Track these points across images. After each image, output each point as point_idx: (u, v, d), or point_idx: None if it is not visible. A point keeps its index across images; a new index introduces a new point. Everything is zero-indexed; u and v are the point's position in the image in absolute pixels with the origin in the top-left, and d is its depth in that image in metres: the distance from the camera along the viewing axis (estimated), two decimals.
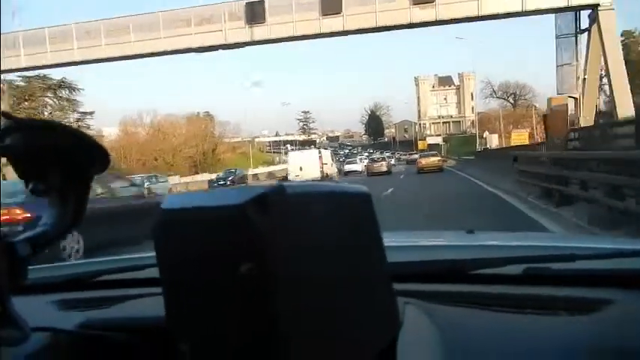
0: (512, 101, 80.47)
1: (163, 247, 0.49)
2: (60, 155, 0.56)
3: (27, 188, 0.57)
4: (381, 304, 0.54)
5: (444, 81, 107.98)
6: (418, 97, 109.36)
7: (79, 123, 79.49)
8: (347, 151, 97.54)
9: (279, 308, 0.42)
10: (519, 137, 39.29)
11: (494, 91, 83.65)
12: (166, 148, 59.73)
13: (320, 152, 25.16)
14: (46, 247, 0.56)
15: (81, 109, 74.19)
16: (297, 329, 0.43)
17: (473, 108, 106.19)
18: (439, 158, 31.60)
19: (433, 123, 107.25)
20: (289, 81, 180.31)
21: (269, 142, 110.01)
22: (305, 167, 22.74)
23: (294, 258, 0.44)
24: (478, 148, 41.44)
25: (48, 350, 0.70)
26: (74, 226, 0.59)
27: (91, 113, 77.43)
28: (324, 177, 22.30)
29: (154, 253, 0.49)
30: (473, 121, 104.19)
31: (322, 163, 23.45)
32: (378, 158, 36.85)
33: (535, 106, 60.79)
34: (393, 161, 41.33)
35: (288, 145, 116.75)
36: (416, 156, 38.77)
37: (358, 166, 36.97)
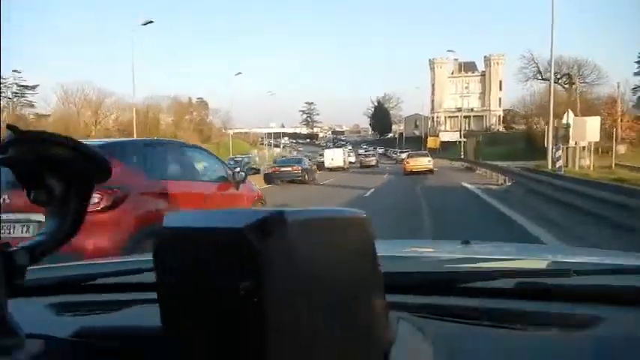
0: (566, 84, 56.41)
1: (163, 264, 0.51)
2: (62, 166, 0.57)
3: (29, 198, 0.59)
4: (374, 323, 0.56)
5: (466, 67, 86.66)
6: (433, 85, 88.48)
7: (20, 99, 63.20)
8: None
9: (273, 326, 0.44)
10: None
11: (540, 71, 60.40)
12: (81, 136, 41.90)
13: (343, 150, 41.99)
14: (44, 256, 0.57)
15: (22, 83, 59.32)
16: (290, 347, 0.45)
17: (500, 100, 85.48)
18: (429, 159, 27.53)
19: (449, 117, 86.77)
20: (298, 71, 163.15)
21: (264, 133, 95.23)
22: (334, 159, 37.12)
23: (290, 279, 0.45)
24: (550, 148, 19.14)
25: (42, 357, 0.70)
26: (71, 235, 0.60)
27: (34, 87, 62.57)
28: (345, 164, 37.10)
29: (149, 257, 0.51)
30: (500, 116, 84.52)
31: (345, 157, 38.41)
32: (368, 154, 47.99)
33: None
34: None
35: (287, 138, 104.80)
36: (404, 155, 36.93)
37: (352, 158, 45.90)
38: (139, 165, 4.24)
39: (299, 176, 21.96)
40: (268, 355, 0.45)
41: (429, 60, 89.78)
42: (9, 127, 0.55)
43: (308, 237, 0.48)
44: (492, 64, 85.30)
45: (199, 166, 5.19)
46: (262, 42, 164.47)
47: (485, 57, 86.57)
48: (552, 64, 20.61)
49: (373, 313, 0.56)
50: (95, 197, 3.36)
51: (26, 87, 65.94)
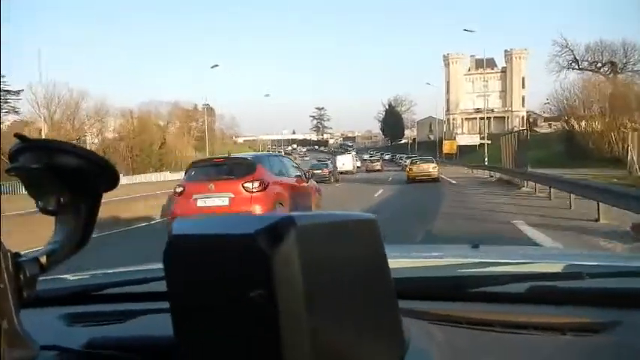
0: (607, 74, 46.50)
1: (173, 271, 0.51)
2: (70, 175, 0.57)
3: (37, 207, 0.59)
4: (388, 328, 0.55)
5: (485, 63, 77.39)
6: (447, 83, 79.67)
7: (4, 105, 57.17)
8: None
9: (286, 334, 0.44)
10: None
11: (576, 59, 51.04)
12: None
13: (352, 156, 48.61)
14: (55, 266, 0.57)
15: (5, 87, 53.68)
16: (304, 353, 0.44)
17: (524, 99, 76.24)
18: (434, 165, 25.45)
19: (467, 118, 78.25)
20: (307, 76, 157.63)
21: (270, 140, 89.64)
22: (345, 163, 42.74)
23: (302, 285, 0.45)
24: None
25: None
26: (82, 244, 0.60)
27: (18, 92, 57.42)
28: (353, 168, 43.16)
29: (159, 266, 0.52)
30: (523, 117, 75.38)
31: (353, 162, 44.91)
32: (373, 160, 53.77)
33: None
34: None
35: (295, 145, 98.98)
36: (408, 161, 33.25)
37: (358, 163, 52.02)
38: (268, 167, 8.11)
39: (327, 177, 27.49)
40: None
41: (443, 56, 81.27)
42: (16, 135, 0.55)
43: (318, 241, 0.48)
44: (514, 58, 76.39)
45: (289, 168, 9.16)
46: (270, 44, 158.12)
47: (505, 51, 77.80)
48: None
49: (387, 318, 0.55)
50: (256, 183, 7.48)
51: (9, 92, 60.19)
